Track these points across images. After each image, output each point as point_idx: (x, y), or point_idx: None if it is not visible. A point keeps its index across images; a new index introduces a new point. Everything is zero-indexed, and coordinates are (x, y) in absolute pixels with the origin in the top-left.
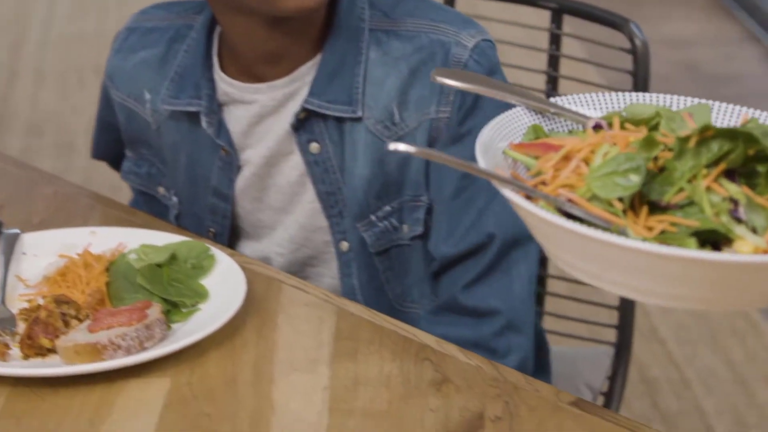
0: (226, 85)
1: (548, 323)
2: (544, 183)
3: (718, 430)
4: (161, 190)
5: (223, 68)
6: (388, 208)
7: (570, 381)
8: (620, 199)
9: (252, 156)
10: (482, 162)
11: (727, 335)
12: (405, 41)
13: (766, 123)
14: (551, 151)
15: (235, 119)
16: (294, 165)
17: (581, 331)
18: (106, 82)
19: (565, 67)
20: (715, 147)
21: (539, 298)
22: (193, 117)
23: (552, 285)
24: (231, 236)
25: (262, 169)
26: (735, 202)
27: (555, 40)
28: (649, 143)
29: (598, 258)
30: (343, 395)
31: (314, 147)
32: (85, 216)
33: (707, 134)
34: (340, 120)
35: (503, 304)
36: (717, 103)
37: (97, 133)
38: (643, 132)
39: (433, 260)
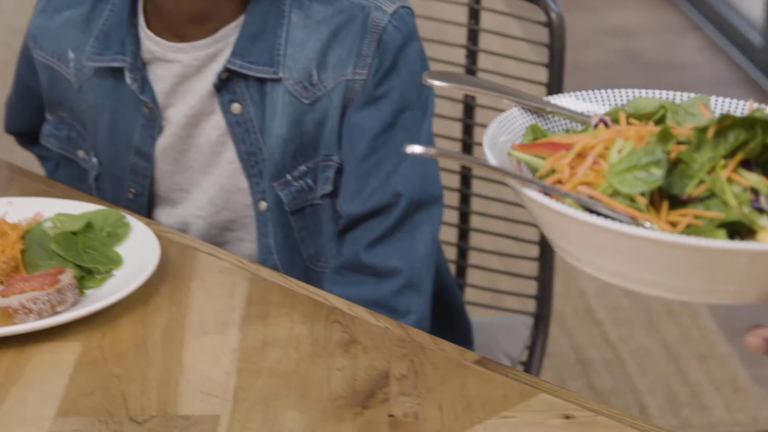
0: (151, 42)
1: (468, 295)
2: (560, 182)
3: (651, 408)
4: (81, 153)
5: (149, 26)
6: (303, 167)
7: (489, 350)
8: (642, 194)
9: (173, 115)
10: (494, 162)
11: (662, 316)
12: (326, 4)
13: None
14: (559, 150)
15: (159, 78)
16: (215, 125)
17: (500, 302)
18: (28, 43)
19: (485, 41)
20: (732, 137)
21: (461, 270)
22: (118, 74)
23: (472, 257)
24: (149, 204)
25: (183, 129)
26: (756, 192)
27: (474, 14)
28: (664, 136)
29: (639, 258)
30: (251, 356)
31: (236, 107)
32: (3, 188)
33: (725, 124)
34: (261, 81)
35: (404, 264)
36: (714, 97)
37: (15, 99)
38: (651, 126)
39: (340, 219)
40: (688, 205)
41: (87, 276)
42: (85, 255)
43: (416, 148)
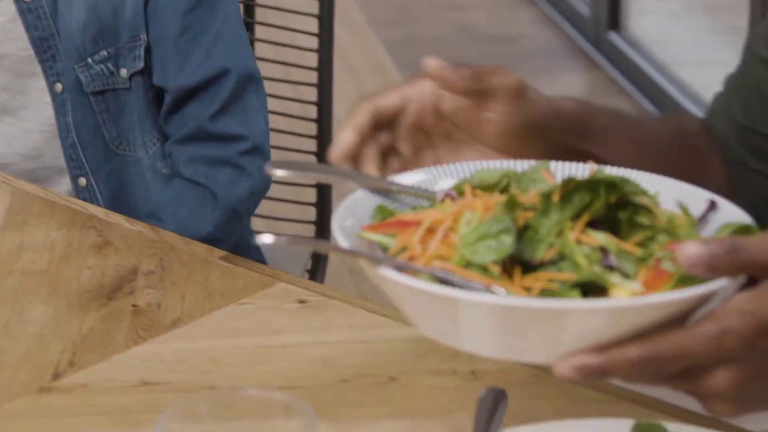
0: None
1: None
2: (413, 258)
3: None
4: None
5: None
6: (104, 53)
7: (275, 262)
8: (495, 263)
9: None
10: (345, 244)
11: None
12: None
13: (612, 173)
14: (408, 228)
15: None
16: (2, 11)
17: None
18: None
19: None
20: (577, 199)
21: None
22: None
23: None
24: None
25: None
26: (604, 251)
27: None
28: (511, 204)
29: (509, 327)
30: (5, 259)
31: None
32: None
33: (569, 187)
34: None
35: (248, 131)
36: (553, 162)
37: None
38: (496, 196)
39: (163, 98)
40: (540, 269)
41: None
42: None
43: (266, 238)
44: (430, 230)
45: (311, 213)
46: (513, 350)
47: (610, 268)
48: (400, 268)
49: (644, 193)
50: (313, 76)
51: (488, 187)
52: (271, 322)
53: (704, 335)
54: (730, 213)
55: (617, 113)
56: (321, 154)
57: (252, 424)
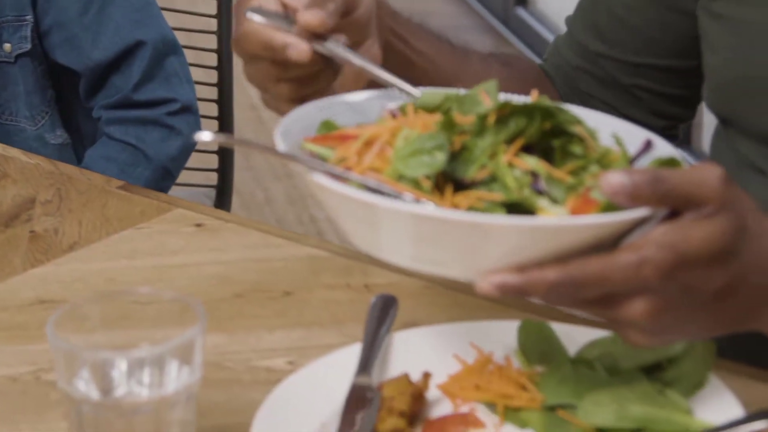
0: None
1: None
2: (349, 169)
3: (327, 234)
4: None
5: None
6: None
7: None
8: (427, 178)
9: None
10: (284, 148)
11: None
12: None
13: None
14: (348, 141)
15: None
16: None
17: (186, 179)
18: None
19: None
20: (513, 123)
21: None
22: None
23: None
24: None
25: None
26: (535, 175)
27: None
28: (447, 124)
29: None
30: None
31: None
32: None
33: (505, 111)
34: None
35: (175, 94)
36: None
37: None
38: (437, 116)
39: (57, 75)
40: (471, 188)
41: None
42: None
43: (204, 135)
44: (368, 143)
45: (213, 178)
46: (432, 263)
47: (539, 192)
48: (334, 177)
49: (580, 123)
50: (213, 41)
51: (431, 109)
52: (168, 244)
53: (623, 264)
54: (665, 151)
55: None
56: (223, 118)
57: (142, 321)
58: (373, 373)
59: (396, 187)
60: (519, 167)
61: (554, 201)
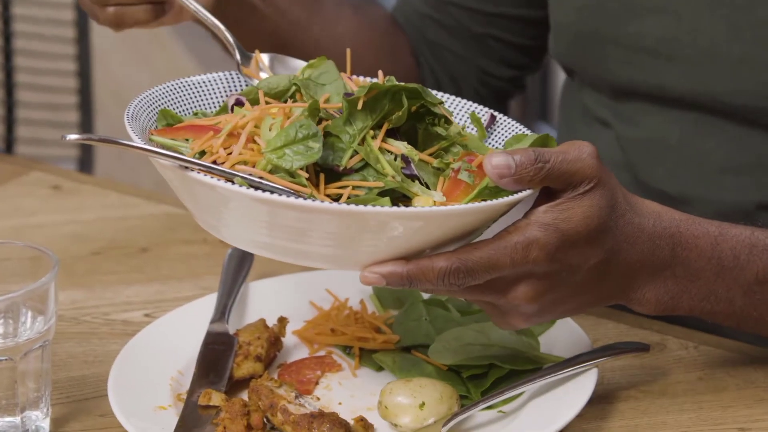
0: None
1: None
2: (216, 163)
3: None
4: None
5: None
6: None
7: None
8: (302, 169)
9: None
10: (144, 144)
11: None
12: None
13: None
14: (203, 132)
15: None
16: None
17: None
18: None
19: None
20: (380, 107)
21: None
22: None
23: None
24: None
25: None
26: (406, 159)
27: None
28: (313, 111)
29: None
30: None
31: None
32: None
33: (372, 94)
34: None
35: None
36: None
37: None
38: (291, 103)
39: None
40: (344, 177)
41: None
42: None
43: (71, 136)
44: (231, 135)
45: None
46: (304, 256)
47: (412, 177)
48: (210, 172)
49: (441, 103)
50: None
51: (277, 94)
52: (24, 205)
53: (510, 246)
54: (508, 125)
55: None
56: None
57: None
58: (230, 321)
59: (275, 180)
60: (390, 152)
61: (426, 185)
